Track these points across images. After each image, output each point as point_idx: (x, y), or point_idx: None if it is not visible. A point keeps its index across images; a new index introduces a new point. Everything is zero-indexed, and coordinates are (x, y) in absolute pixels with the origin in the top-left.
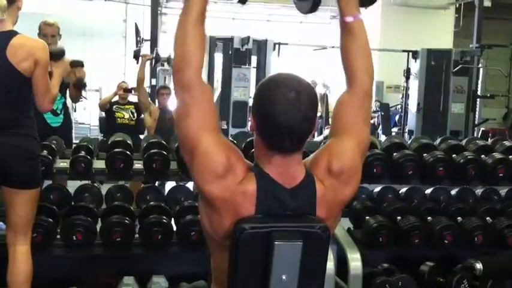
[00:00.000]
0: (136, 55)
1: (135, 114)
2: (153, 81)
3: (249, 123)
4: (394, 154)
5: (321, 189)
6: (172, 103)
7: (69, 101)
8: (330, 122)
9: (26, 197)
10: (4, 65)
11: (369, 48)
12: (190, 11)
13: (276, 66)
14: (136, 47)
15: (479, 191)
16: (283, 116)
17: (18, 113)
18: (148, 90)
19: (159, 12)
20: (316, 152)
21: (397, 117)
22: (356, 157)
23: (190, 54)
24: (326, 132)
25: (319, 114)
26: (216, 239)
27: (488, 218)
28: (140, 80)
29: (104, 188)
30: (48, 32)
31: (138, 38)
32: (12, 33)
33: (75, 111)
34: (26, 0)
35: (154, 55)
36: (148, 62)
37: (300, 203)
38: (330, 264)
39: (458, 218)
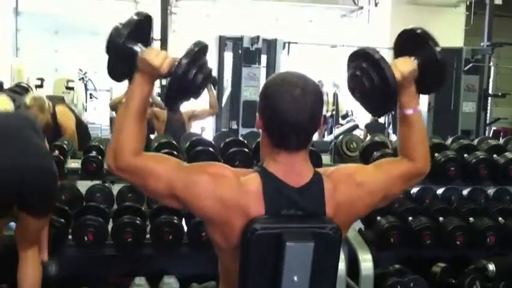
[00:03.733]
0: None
1: None
2: (163, 81)
3: (257, 115)
4: None
5: (329, 189)
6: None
7: (80, 102)
8: (340, 121)
9: (40, 221)
10: None
11: (426, 135)
12: (129, 107)
13: (286, 65)
14: None
15: (491, 191)
16: (289, 113)
17: None
18: (158, 90)
19: (168, 11)
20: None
21: None
22: (381, 184)
23: (124, 145)
24: (336, 131)
25: (329, 113)
26: (228, 247)
27: (500, 219)
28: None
29: (115, 188)
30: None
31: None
32: None
33: (85, 111)
34: (40, 0)
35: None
36: None
37: (308, 202)
38: (341, 265)
39: (470, 218)
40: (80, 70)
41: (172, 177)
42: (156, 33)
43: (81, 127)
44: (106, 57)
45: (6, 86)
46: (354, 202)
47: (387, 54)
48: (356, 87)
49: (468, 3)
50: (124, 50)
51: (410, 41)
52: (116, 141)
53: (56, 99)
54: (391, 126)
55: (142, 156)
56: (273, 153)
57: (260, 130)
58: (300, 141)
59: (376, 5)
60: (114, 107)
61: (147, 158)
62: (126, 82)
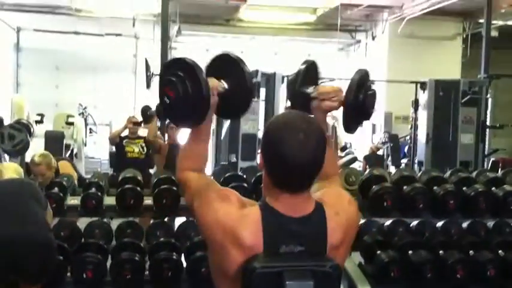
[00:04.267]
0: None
1: (145, 148)
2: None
3: (258, 157)
4: (404, 187)
5: (331, 215)
6: (181, 138)
7: (80, 136)
8: (339, 153)
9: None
10: None
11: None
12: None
13: (285, 98)
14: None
15: (490, 223)
16: (291, 156)
17: None
18: (158, 123)
19: (169, 46)
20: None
21: (406, 148)
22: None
23: (181, 163)
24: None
25: None
26: (227, 279)
27: (500, 251)
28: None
29: (114, 223)
30: (36, 171)
31: (148, 73)
32: None
33: (85, 145)
34: (41, 37)
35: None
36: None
37: (309, 230)
38: None
39: (470, 251)
40: (80, 105)
41: (195, 191)
42: (156, 68)
43: (80, 181)
44: (105, 91)
45: (6, 122)
46: (352, 221)
47: (386, 86)
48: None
49: (464, 36)
50: None
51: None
52: (179, 158)
53: (57, 136)
54: (390, 159)
55: (192, 173)
56: (275, 193)
57: (262, 170)
58: (302, 184)
59: (373, 38)
60: (113, 140)
61: (194, 175)
62: (125, 115)
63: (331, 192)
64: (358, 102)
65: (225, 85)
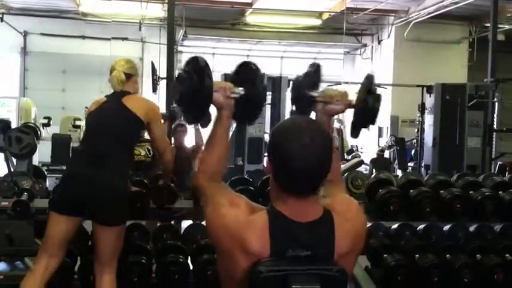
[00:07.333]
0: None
1: (151, 151)
2: None
3: (265, 159)
4: (411, 191)
5: (339, 222)
6: (188, 140)
7: None
8: (345, 156)
9: (112, 233)
10: (118, 106)
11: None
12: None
13: (290, 101)
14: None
15: (497, 227)
16: (298, 160)
17: (120, 151)
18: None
19: (175, 50)
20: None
21: (413, 152)
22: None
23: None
24: (342, 167)
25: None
26: (234, 283)
27: (507, 255)
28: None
29: None
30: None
31: (155, 77)
32: (131, 93)
33: None
34: (48, 40)
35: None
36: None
37: (316, 238)
38: None
39: (477, 255)
40: (87, 108)
41: (209, 197)
42: (163, 72)
43: None
44: None
45: (13, 125)
46: (360, 230)
47: (392, 90)
48: None
49: (471, 39)
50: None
51: None
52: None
53: (64, 139)
54: (396, 162)
55: (208, 180)
56: (282, 197)
57: (269, 175)
58: (308, 188)
59: (379, 42)
60: None
61: (209, 182)
62: None
63: (340, 199)
64: (367, 105)
65: (241, 91)
